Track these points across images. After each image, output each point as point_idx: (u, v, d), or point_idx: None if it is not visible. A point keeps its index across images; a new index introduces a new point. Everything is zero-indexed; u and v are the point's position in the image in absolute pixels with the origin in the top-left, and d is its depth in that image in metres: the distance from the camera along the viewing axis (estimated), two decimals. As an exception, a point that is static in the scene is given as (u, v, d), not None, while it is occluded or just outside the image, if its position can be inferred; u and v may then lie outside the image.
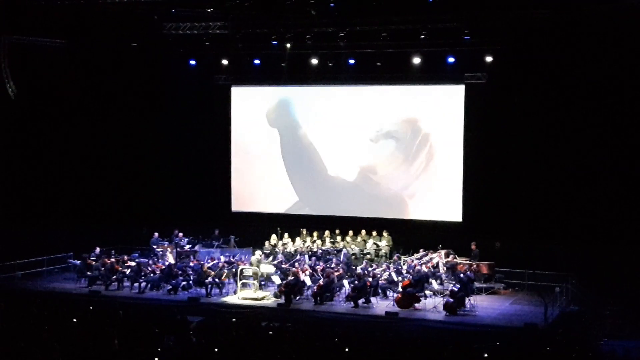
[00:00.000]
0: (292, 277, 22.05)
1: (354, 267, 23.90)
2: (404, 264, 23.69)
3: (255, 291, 22.20)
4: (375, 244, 26.10)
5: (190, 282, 22.89)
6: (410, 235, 26.42)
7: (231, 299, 22.14)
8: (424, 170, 27.24)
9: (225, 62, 28.29)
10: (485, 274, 23.55)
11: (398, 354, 14.41)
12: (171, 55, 28.24)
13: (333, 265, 23.57)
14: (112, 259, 23.97)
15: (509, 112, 25.49)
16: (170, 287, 22.81)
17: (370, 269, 23.09)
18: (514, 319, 20.07)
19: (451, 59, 25.70)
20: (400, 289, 21.49)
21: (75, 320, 15.96)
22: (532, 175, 25.17)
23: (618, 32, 22.86)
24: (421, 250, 24.74)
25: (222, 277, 22.77)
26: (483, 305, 21.51)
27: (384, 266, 23.78)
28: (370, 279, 21.95)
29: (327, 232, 26.79)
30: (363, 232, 26.64)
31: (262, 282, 22.99)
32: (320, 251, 25.59)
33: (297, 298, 21.95)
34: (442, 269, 23.64)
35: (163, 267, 23.63)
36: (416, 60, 25.84)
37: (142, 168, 29.46)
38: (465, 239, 24.67)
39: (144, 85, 28.90)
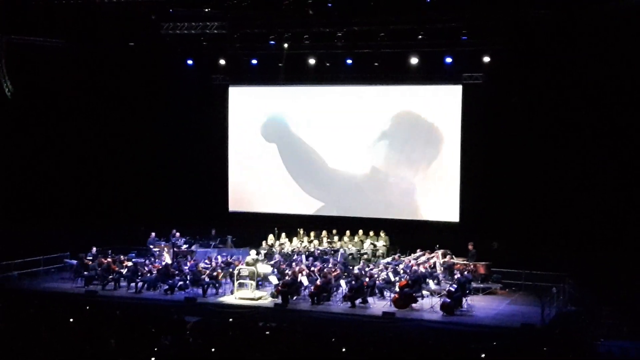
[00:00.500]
0: (289, 277, 22.05)
1: (351, 268, 23.90)
2: (401, 264, 23.68)
3: (252, 291, 22.19)
4: (372, 244, 26.11)
5: (187, 282, 22.87)
6: (407, 235, 26.42)
7: (228, 299, 22.11)
8: (421, 170, 27.26)
9: (222, 62, 28.26)
10: (482, 274, 23.59)
11: (395, 354, 14.42)
12: (169, 55, 28.21)
13: (330, 265, 23.55)
14: (109, 259, 23.94)
15: (506, 112, 25.51)
16: (167, 287, 22.79)
17: (367, 269, 23.08)
18: (511, 319, 20.06)
19: (449, 59, 25.71)
20: (397, 289, 21.48)
21: (72, 320, 15.94)
22: (530, 175, 25.20)
23: (617, 32, 22.86)
24: (418, 250, 24.75)
25: (219, 277, 22.77)
26: (480, 305, 21.53)
27: (382, 265, 23.76)
28: (367, 279, 21.94)
29: (324, 233, 26.80)
30: (360, 232, 26.66)
31: (259, 282, 22.96)
32: (318, 251, 25.59)
33: (294, 298, 21.93)
34: (439, 269, 23.67)
35: (160, 267, 23.61)
36: (414, 61, 25.85)
37: (140, 168, 29.42)
38: (462, 239, 24.67)
39: (141, 85, 28.87)
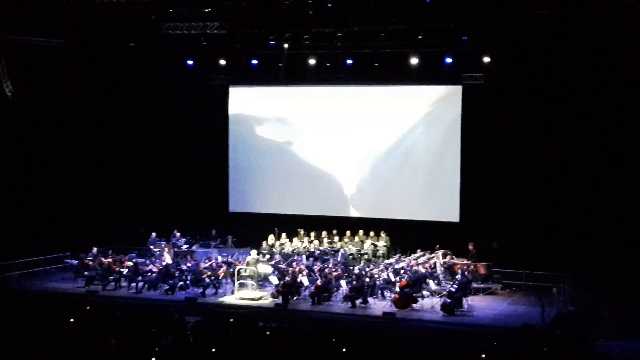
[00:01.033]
0: (290, 278, 22.05)
1: (351, 268, 23.90)
2: (401, 263, 23.68)
3: (257, 289, 22.18)
4: (372, 244, 26.10)
5: (188, 282, 22.88)
6: (407, 235, 26.42)
7: (228, 299, 22.12)
8: (422, 170, 27.26)
9: (222, 62, 28.24)
10: (482, 275, 23.58)
11: (395, 355, 14.42)
12: (169, 55, 28.22)
13: (330, 265, 23.55)
14: (110, 259, 23.95)
15: (506, 112, 25.51)
16: (167, 287, 22.80)
17: (367, 269, 23.08)
18: (512, 320, 20.05)
19: (449, 60, 25.72)
20: (397, 289, 21.48)
21: (72, 320, 15.94)
22: (530, 175, 25.22)
23: (616, 33, 22.88)
24: (419, 250, 24.75)
25: (220, 277, 22.78)
26: (480, 305, 21.55)
27: (382, 266, 23.76)
28: (367, 280, 21.95)
29: (324, 233, 26.77)
30: (360, 232, 26.65)
31: (260, 283, 22.97)
32: (318, 251, 25.57)
33: (295, 298, 21.94)
34: (439, 270, 23.66)
35: (161, 267, 23.61)
36: (414, 61, 25.84)
37: (140, 168, 29.44)
38: (462, 240, 24.67)
39: (141, 85, 28.89)
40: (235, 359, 13.77)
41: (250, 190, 29.55)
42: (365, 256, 25.61)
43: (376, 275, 22.56)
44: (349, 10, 25.00)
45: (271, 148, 29.18)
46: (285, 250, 25.85)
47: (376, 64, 26.38)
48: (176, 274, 23.17)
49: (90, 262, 23.80)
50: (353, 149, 28.04)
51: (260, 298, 22.05)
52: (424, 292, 21.91)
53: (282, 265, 23.71)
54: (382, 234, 26.31)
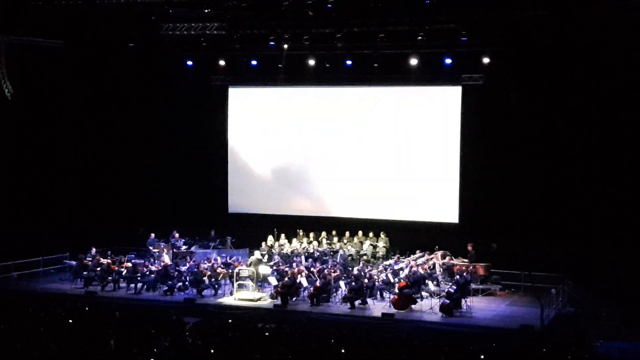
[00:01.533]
0: (289, 278, 22.04)
1: (350, 269, 23.89)
2: (400, 264, 23.67)
3: (256, 291, 22.18)
4: (372, 245, 26.10)
5: (187, 283, 22.87)
6: (406, 236, 26.42)
7: (227, 300, 22.11)
8: (421, 171, 27.24)
9: (222, 62, 28.25)
10: (481, 276, 23.59)
11: (394, 356, 14.41)
12: (168, 56, 28.22)
13: (329, 266, 23.55)
14: (108, 260, 23.92)
15: (505, 113, 25.52)
16: (166, 288, 22.79)
17: (366, 270, 23.08)
18: (510, 321, 20.06)
19: (448, 60, 25.74)
20: (396, 290, 21.48)
21: (71, 321, 15.93)
22: (529, 176, 25.21)
23: (616, 33, 22.88)
24: (418, 251, 24.75)
25: (220, 278, 22.78)
26: (479, 306, 21.53)
27: (381, 267, 23.76)
28: (366, 280, 21.94)
29: (323, 234, 26.79)
30: (360, 233, 26.67)
31: (259, 284, 22.95)
32: (317, 252, 25.58)
33: (294, 299, 21.93)
34: (438, 271, 23.66)
35: (159, 268, 23.60)
36: (413, 62, 25.85)
37: (139, 168, 29.44)
38: (461, 241, 24.68)
39: (141, 85, 28.88)
40: (234, 360, 13.76)
41: (249, 191, 29.54)
42: (365, 257, 25.59)
43: (375, 276, 22.55)
44: (348, 11, 25.00)
45: (270, 149, 29.17)
46: (285, 251, 25.84)
47: (376, 65, 26.40)
48: (175, 275, 23.15)
49: (89, 263, 23.79)
50: (352, 150, 28.04)
51: (259, 299, 22.03)
52: (423, 293, 21.90)
53: (281, 266, 23.68)
54: (382, 235, 26.32)
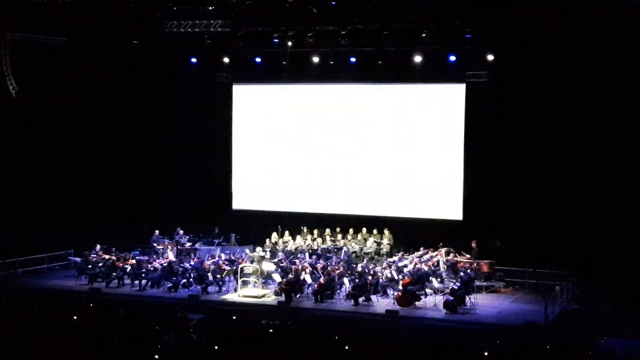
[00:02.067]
0: (293, 275, 22.07)
1: (354, 265, 23.91)
2: (404, 260, 23.68)
3: (260, 287, 22.21)
4: (376, 242, 26.11)
5: (191, 279, 22.91)
6: (410, 233, 26.42)
7: (231, 297, 22.15)
8: (425, 168, 27.24)
9: (226, 60, 28.24)
10: (485, 273, 23.57)
11: (398, 352, 14.41)
12: (172, 53, 28.25)
13: (333, 263, 23.57)
14: (113, 257, 23.97)
15: (509, 110, 25.48)
16: (170, 284, 22.84)
17: (370, 267, 23.08)
18: (514, 318, 20.06)
19: (452, 58, 25.73)
20: (400, 287, 21.49)
21: (75, 317, 15.98)
22: (533, 173, 25.17)
23: (619, 31, 22.83)
24: (422, 248, 24.74)
25: (224, 275, 22.82)
26: (483, 303, 21.52)
27: (385, 264, 23.76)
28: (370, 277, 21.95)
29: (327, 230, 26.79)
30: (364, 230, 26.67)
31: (263, 280, 22.98)
32: (321, 249, 25.58)
33: (298, 296, 21.96)
34: (442, 267, 23.65)
35: (164, 264, 23.63)
36: (417, 59, 25.83)
37: (144, 166, 29.48)
38: (465, 238, 24.66)
39: (145, 83, 28.87)
40: (238, 357, 13.77)
41: (253, 188, 29.55)
42: (369, 254, 25.60)
43: (379, 273, 22.56)
44: (352, 8, 25.01)
45: (274, 146, 29.18)
46: (289, 248, 25.84)
47: (380, 62, 26.38)
48: (179, 272, 23.19)
49: (94, 260, 23.84)
50: (356, 147, 28.03)
51: (263, 296, 22.07)
52: (427, 290, 21.89)
53: (285, 263, 23.70)
54: (386, 232, 26.31)
